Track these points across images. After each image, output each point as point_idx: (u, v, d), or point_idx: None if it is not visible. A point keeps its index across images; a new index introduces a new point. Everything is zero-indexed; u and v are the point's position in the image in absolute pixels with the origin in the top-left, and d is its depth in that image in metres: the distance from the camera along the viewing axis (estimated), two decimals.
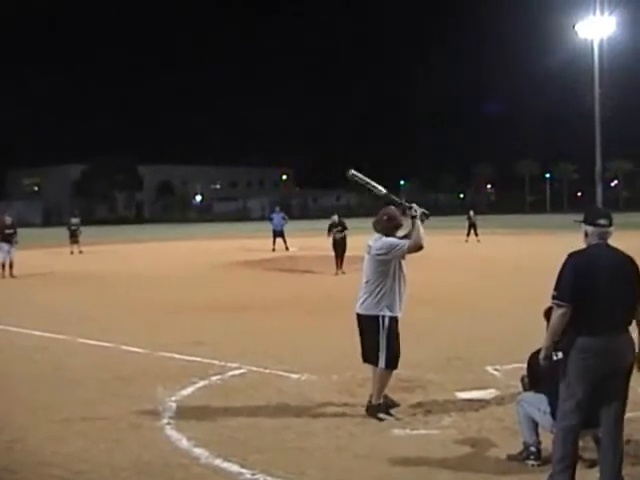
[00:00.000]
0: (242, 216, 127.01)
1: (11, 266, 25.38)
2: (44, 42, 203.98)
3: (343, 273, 23.41)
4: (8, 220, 26.27)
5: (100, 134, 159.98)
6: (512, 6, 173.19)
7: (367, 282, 8.27)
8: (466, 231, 43.02)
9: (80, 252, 38.58)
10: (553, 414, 6.30)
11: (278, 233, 37.95)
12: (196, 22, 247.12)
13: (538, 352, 6.33)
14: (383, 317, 8.13)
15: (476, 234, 42.50)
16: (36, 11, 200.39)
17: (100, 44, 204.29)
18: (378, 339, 8.13)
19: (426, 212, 8.26)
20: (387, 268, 8.14)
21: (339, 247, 24.21)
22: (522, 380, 7.22)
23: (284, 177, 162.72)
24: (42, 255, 36.55)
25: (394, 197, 8.35)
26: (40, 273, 25.61)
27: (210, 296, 19.77)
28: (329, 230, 24.83)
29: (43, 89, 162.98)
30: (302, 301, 18.19)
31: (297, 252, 34.86)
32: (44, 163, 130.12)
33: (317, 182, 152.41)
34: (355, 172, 8.51)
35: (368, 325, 8.23)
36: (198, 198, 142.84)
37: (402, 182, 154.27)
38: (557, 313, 5.90)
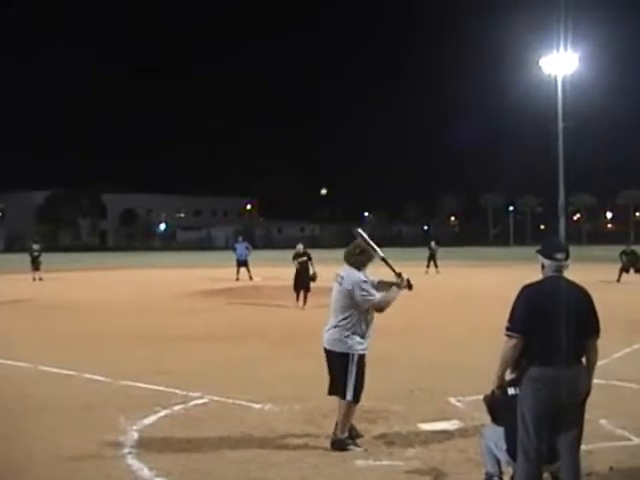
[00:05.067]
0: (206, 245, 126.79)
1: None
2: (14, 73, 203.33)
3: (297, 306, 23.25)
4: None
5: (64, 161, 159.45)
6: (478, 41, 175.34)
7: (336, 313, 8.21)
8: (426, 262, 43.37)
9: (40, 279, 38.32)
10: (509, 451, 6.31)
11: (242, 263, 37.99)
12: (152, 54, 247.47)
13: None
14: (353, 355, 8.09)
15: (436, 265, 42.92)
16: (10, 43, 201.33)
17: (67, 72, 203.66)
18: (347, 375, 8.08)
19: (411, 282, 8.37)
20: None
21: (300, 278, 24.03)
22: (484, 399, 7.25)
23: (248, 207, 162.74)
24: (3, 282, 36.20)
25: (390, 263, 8.35)
26: (1, 300, 25.32)
27: (173, 325, 19.69)
28: (294, 259, 24.71)
29: (7, 116, 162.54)
30: (265, 331, 18.13)
31: (261, 282, 34.82)
32: (7, 189, 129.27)
33: (281, 212, 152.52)
34: (361, 231, 8.53)
35: (337, 361, 8.17)
36: (162, 226, 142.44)
37: (366, 213, 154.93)
38: (509, 344, 5.98)
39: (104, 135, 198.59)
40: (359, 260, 8.30)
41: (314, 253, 25.03)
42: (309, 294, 23.39)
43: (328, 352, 8.29)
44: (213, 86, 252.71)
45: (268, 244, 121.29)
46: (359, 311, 8.12)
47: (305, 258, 24.17)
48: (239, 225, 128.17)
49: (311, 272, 23.49)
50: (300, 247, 24.71)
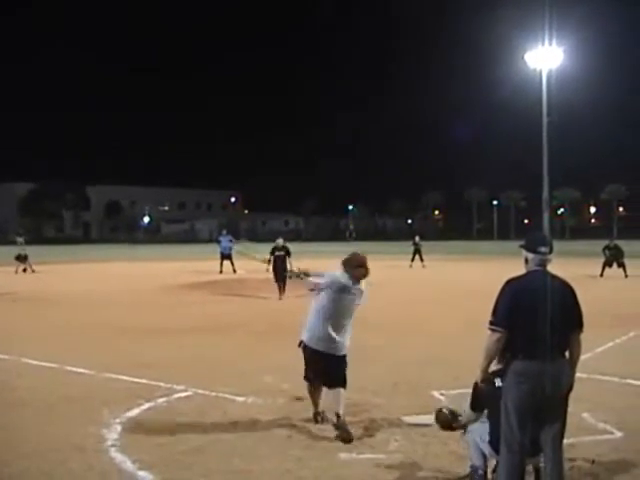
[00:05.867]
0: (190, 238, 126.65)
1: None
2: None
3: (280, 299, 23.36)
4: None
5: (48, 153, 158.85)
6: (464, 37, 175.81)
7: (346, 322, 8.64)
8: (411, 256, 43.68)
9: (33, 271, 38.73)
10: (491, 443, 6.32)
11: (226, 256, 38.01)
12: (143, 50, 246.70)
13: None
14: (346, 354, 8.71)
15: (421, 259, 43.30)
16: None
17: (67, 72, 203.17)
18: (345, 368, 8.64)
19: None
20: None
21: (278, 270, 24.09)
22: (437, 414, 7.26)
23: (233, 200, 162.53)
24: None
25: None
26: None
27: (157, 318, 19.65)
28: (271, 253, 24.72)
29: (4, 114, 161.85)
30: (249, 324, 18.13)
31: (245, 275, 34.79)
32: None
33: (266, 205, 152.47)
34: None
35: (343, 361, 8.65)
36: (146, 219, 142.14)
37: (350, 207, 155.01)
38: (492, 338, 5.98)
39: (88, 128, 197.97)
40: (355, 275, 8.60)
41: (298, 247, 25.03)
42: (287, 286, 23.53)
43: (337, 357, 8.60)
44: (213, 86, 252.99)
45: (253, 237, 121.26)
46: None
47: (283, 252, 24.24)
48: (223, 218, 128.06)
49: (289, 268, 23.51)
50: (280, 241, 24.77)
